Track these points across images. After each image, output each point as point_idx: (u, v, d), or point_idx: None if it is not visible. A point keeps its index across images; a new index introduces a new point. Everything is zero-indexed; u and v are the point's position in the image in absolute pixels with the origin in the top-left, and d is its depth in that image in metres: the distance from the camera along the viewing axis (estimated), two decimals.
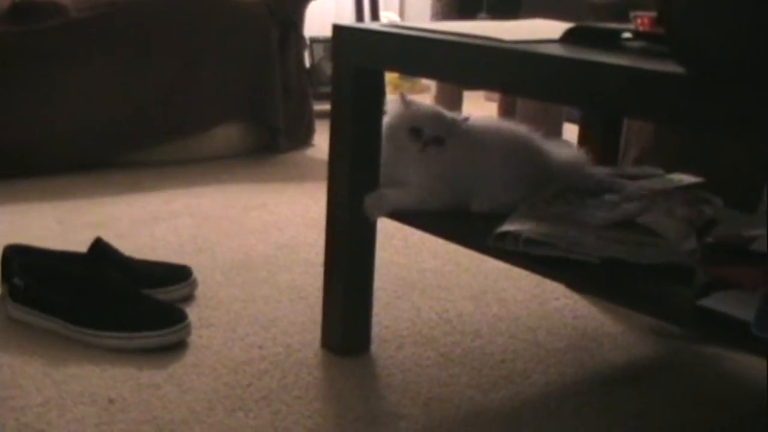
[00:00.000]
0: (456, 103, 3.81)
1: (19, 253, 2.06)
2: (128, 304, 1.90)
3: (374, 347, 1.91)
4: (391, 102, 1.83)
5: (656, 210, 1.65)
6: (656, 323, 2.02)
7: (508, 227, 1.61)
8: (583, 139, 2.22)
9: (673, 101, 1.29)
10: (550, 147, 1.86)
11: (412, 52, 1.65)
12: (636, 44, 1.55)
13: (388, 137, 1.79)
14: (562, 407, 1.71)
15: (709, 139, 2.17)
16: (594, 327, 2.05)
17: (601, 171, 1.89)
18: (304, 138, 3.68)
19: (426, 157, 1.76)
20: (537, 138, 1.86)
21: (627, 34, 1.59)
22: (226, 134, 3.44)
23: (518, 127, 1.86)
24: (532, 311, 2.12)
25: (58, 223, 2.61)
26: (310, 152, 3.61)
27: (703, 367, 1.89)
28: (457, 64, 1.58)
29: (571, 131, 3.69)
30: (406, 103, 1.80)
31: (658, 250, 1.56)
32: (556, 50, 1.47)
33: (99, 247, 2.06)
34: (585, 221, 1.62)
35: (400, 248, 2.49)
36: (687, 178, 1.83)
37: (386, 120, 1.80)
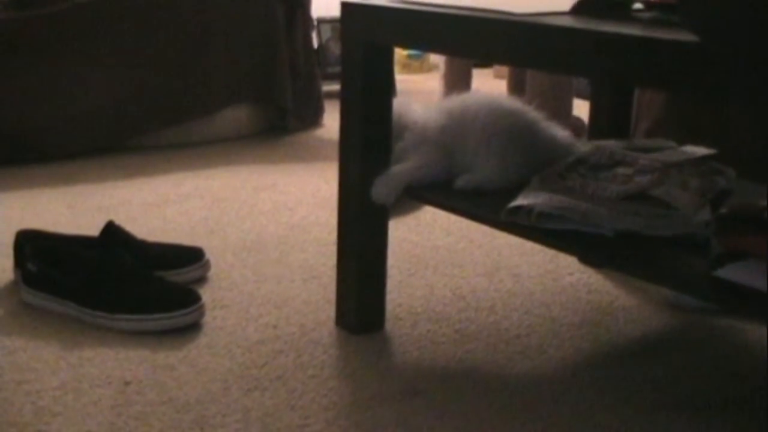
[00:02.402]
0: (465, 82, 3.79)
1: (31, 238, 2.06)
2: (141, 286, 1.90)
3: (388, 325, 1.90)
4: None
5: (670, 182, 1.64)
6: (671, 293, 2.01)
7: (521, 201, 1.60)
8: (594, 113, 2.21)
9: (686, 70, 1.28)
10: (546, 127, 1.83)
11: (422, 28, 1.64)
12: (647, 14, 1.54)
13: None
14: (578, 381, 1.71)
15: (719, 110, 2.16)
16: (608, 301, 2.05)
17: (613, 144, 1.88)
18: (313, 118, 3.68)
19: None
20: (533, 119, 1.83)
21: (638, 5, 1.58)
22: (235, 116, 3.44)
23: (516, 107, 1.85)
24: (546, 287, 2.12)
25: (68, 207, 2.61)
26: (319, 132, 3.60)
27: (718, 340, 1.89)
28: (468, 39, 1.57)
29: (580, 107, 3.68)
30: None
31: (673, 222, 1.55)
32: (568, 22, 1.46)
33: (111, 230, 2.06)
34: (598, 194, 1.62)
35: (412, 226, 2.48)
36: (699, 150, 1.82)
37: None
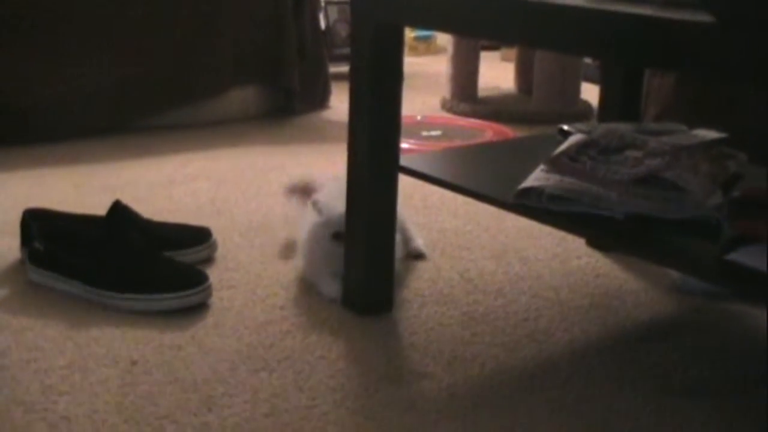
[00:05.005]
0: (472, 64, 3.78)
1: (38, 217, 2.06)
2: (148, 266, 1.90)
3: (396, 307, 1.90)
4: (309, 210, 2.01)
5: (680, 165, 1.63)
6: (679, 277, 2.00)
7: (531, 183, 1.59)
8: (604, 97, 2.20)
9: (701, 52, 1.26)
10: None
11: (433, 7, 1.63)
12: None
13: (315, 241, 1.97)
14: (586, 365, 1.70)
15: (730, 94, 2.15)
16: (616, 285, 2.04)
17: (624, 127, 1.87)
18: (320, 100, 3.67)
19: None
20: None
21: None
22: (242, 97, 3.43)
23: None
24: (554, 270, 2.11)
25: (74, 187, 2.61)
26: (326, 114, 3.59)
27: (726, 324, 1.88)
28: (480, 18, 1.55)
29: (587, 90, 3.67)
30: (319, 209, 1.95)
31: (684, 205, 1.54)
32: (580, 1, 1.45)
33: (118, 209, 2.05)
34: (608, 177, 1.61)
35: (419, 208, 2.48)
36: (710, 134, 1.81)
37: (309, 229, 1.98)
